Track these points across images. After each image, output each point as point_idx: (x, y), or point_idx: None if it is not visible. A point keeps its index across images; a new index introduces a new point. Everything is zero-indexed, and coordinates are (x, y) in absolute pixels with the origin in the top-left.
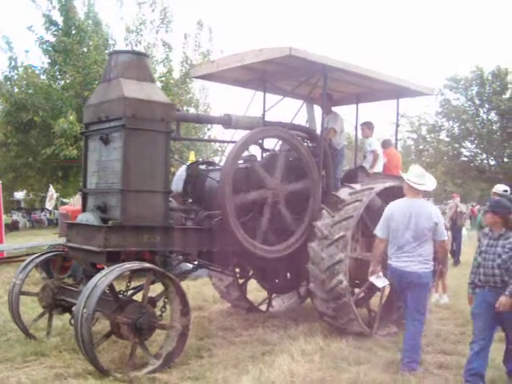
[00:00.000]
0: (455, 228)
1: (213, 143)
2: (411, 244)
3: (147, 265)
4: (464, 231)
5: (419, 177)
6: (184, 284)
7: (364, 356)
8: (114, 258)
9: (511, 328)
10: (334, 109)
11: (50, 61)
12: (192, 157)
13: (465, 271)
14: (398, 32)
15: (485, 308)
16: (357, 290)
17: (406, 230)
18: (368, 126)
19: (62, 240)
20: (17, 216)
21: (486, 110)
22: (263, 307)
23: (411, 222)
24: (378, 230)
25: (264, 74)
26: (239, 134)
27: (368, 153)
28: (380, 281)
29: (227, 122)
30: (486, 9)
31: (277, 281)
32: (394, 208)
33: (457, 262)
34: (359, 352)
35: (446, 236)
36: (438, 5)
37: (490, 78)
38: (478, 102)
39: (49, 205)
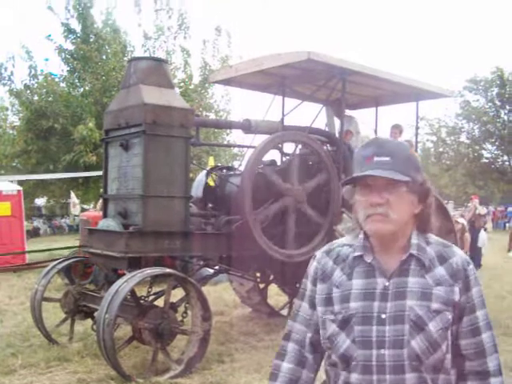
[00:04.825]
0: (473, 230)
1: (232, 148)
2: None
3: (168, 270)
4: (483, 234)
5: None
6: (204, 289)
7: None
8: (134, 263)
9: None
10: (351, 112)
11: (69, 68)
12: (211, 162)
13: (485, 277)
14: (418, 34)
15: None
16: None
17: None
18: (400, 130)
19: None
20: (38, 222)
21: (506, 111)
22: (284, 312)
23: None
24: None
25: (282, 79)
26: (258, 139)
27: None
28: None
29: (247, 126)
30: (506, 9)
31: (297, 285)
32: None
33: (478, 266)
34: None
35: None
36: (458, 6)
37: (510, 78)
38: (498, 103)
39: (75, 211)
